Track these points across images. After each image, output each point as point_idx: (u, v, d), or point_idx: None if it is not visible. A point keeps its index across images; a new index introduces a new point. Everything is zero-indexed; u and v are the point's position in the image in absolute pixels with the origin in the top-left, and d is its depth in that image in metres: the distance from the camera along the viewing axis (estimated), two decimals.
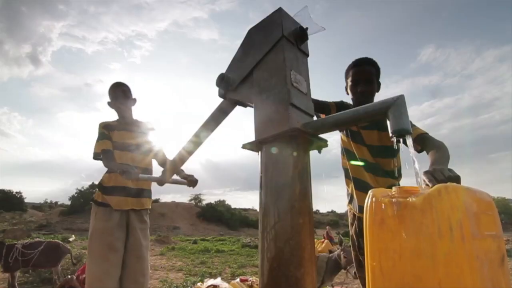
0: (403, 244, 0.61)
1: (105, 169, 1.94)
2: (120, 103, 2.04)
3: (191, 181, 1.85)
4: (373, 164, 1.51)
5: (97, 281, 1.73)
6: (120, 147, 1.98)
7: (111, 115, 2.11)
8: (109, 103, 2.08)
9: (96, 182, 2.00)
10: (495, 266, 0.61)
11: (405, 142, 1.40)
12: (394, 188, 0.68)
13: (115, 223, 1.86)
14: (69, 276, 2.85)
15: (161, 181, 1.58)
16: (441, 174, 0.76)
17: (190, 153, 1.27)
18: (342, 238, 3.51)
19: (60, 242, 4.50)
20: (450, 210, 0.57)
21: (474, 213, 0.59)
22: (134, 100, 2.12)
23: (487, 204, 0.65)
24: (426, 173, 0.78)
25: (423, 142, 1.29)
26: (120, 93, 2.04)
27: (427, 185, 0.75)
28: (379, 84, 1.57)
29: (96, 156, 1.93)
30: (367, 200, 0.71)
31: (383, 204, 0.66)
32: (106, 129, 1.99)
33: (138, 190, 1.97)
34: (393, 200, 0.65)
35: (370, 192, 0.71)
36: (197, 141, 1.21)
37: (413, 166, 0.73)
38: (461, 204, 0.58)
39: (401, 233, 0.61)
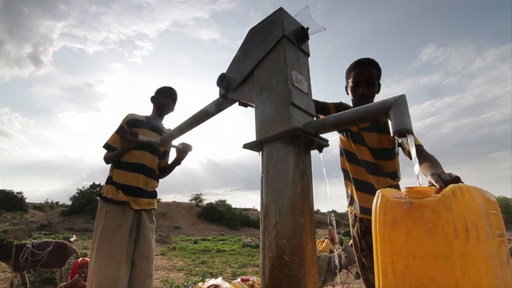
0: (418, 245, 0.60)
1: (114, 164, 1.91)
2: (162, 109, 2.06)
3: (184, 147, 1.91)
4: (374, 164, 1.51)
5: (109, 283, 1.65)
6: (139, 145, 1.92)
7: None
8: (152, 98, 2.07)
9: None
10: (504, 265, 0.61)
11: (400, 145, 1.42)
12: (404, 189, 0.68)
13: (127, 223, 1.80)
14: (76, 278, 2.84)
15: (158, 144, 1.74)
16: (448, 176, 0.76)
17: (182, 132, 1.47)
18: (343, 238, 3.51)
19: (67, 242, 4.53)
20: (466, 211, 0.57)
21: (486, 213, 0.59)
22: (172, 110, 2.14)
23: (493, 203, 0.65)
24: (433, 175, 0.78)
25: (418, 153, 1.30)
26: (170, 101, 2.08)
27: (433, 185, 0.75)
28: (379, 86, 1.57)
29: (104, 146, 1.92)
30: (376, 200, 0.70)
31: (394, 205, 0.65)
32: (128, 124, 1.94)
33: (149, 191, 1.95)
34: (406, 200, 0.64)
35: (379, 192, 0.71)
36: (190, 124, 1.38)
37: (414, 165, 0.74)
38: (476, 205, 0.58)
39: (415, 234, 0.60)
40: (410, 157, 1.30)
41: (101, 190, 1.93)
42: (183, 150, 1.92)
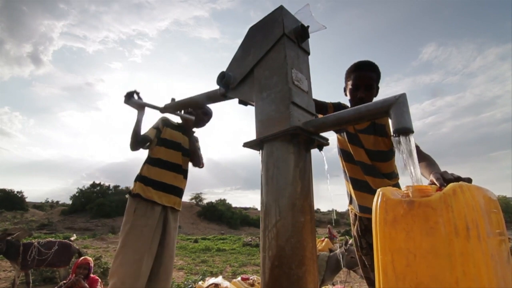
0: (418, 243, 0.60)
1: (143, 161, 2.03)
2: (201, 125, 2.21)
3: (188, 115, 2.04)
4: (371, 166, 1.52)
5: (129, 278, 1.71)
6: (169, 144, 2.06)
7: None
8: (192, 112, 2.18)
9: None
10: (504, 264, 0.61)
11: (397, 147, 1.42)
12: (405, 187, 0.68)
13: (155, 222, 1.88)
14: (76, 277, 2.85)
15: (160, 109, 1.79)
16: (450, 175, 0.76)
17: (181, 107, 1.63)
18: (347, 238, 3.50)
19: (70, 242, 4.57)
20: (466, 209, 0.57)
21: (486, 212, 0.59)
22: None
23: (494, 202, 0.65)
24: (435, 173, 0.78)
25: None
26: (206, 119, 2.22)
27: (434, 184, 0.75)
28: (377, 89, 1.58)
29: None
30: (377, 199, 0.70)
31: (395, 203, 0.65)
32: (162, 123, 2.10)
33: (178, 189, 2.06)
34: (406, 199, 0.64)
35: (379, 191, 0.70)
36: (190, 104, 1.49)
37: (414, 164, 0.73)
38: (476, 203, 0.58)
39: (415, 232, 0.60)
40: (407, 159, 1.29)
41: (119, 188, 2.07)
42: (187, 118, 2.05)
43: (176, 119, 2.20)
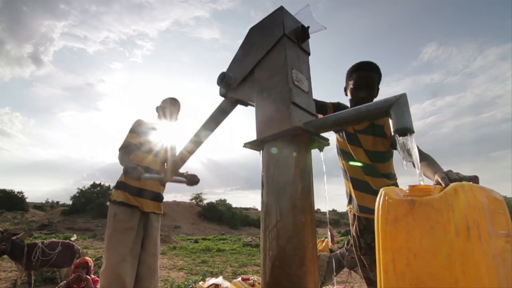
0: (419, 243, 0.60)
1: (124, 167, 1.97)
2: (169, 117, 2.18)
3: (191, 180, 1.99)
4: (370, 166, 1.53)
5: (116, 279, 1.78)
6: (147, 150, 2.06)
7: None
8: (158, 108, 2.18)
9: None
10: (508, 265, 0.61)
11: (395, 147, 1.42)
12: (407, 186, 0.68)
13: (135, 225, 1.92)
14: (77, 273, 2.84)
15: (162, 180, 1.79)
16: (455, 174, 0.76)
17: (190, 152, 1.31)
18: (349, 238, 3.50)
19: (72, 242, 4.59)
20: (467, 209, 0.56)
21: (489, 212, 0.59)
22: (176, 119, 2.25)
23: (499, 202, 0.65)
24: (440, 173, 0.77)
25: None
26: (175, 112, 2.20)
27: (439, 184, 0.75)
28: (378, 89, 1.58)
29: (120, 148, 1.98)
30: (379, 199, 0.70)
31: (397, 203, 0.65)
32: (140, 126, 2.07)
33: (157, 194, 2.07)
34: (408, 198, 0.64)
35: (382, 191, 0.70)
36: (197, 141, 1.25)
37: (415, 165, 0.73)
38: (478, 203, 0.57)
39: (416, 232, 0.60)
40: (407, 158, 1.29)
41: (108, 192, 2.05)
42: (191, 184, 2.02)
43: (153, 120, 2.20)
